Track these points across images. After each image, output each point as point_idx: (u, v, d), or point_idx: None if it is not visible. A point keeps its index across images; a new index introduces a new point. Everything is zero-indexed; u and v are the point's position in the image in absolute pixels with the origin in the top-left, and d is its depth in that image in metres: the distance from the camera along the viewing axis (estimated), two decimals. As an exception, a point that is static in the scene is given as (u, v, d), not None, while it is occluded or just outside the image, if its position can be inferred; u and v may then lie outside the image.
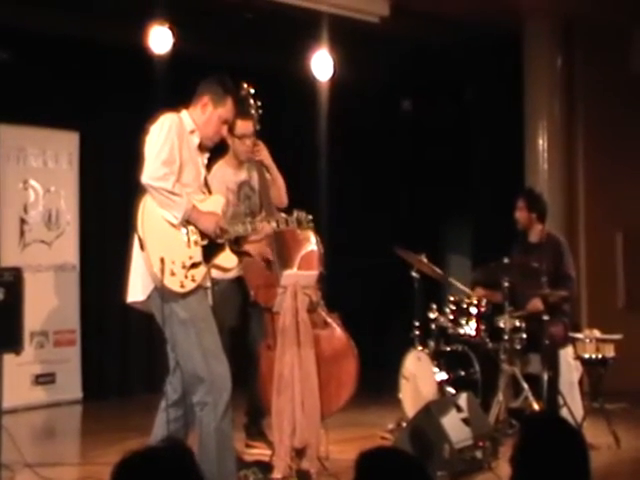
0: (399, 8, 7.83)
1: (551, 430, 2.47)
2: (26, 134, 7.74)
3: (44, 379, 7.66)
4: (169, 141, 4.30)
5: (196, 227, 4.36)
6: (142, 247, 4.26)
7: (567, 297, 6.43)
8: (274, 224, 4.74)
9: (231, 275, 5.35)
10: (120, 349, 8.26)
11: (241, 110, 5.44)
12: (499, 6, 7.84)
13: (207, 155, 4.61)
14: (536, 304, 6.27)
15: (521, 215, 6.59)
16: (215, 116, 4.48)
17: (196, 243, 4.36)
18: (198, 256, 4.36)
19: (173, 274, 4.25)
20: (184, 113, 4.48)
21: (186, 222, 4.33)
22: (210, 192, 4.60)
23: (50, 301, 7.77)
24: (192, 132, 4.46)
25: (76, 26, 7.56)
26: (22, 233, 7.67)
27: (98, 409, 7.68)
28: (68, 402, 7.76)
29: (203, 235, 4.38)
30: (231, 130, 5.47)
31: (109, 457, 5.61)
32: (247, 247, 5.01)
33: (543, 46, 8.29)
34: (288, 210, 5.09)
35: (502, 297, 6.26)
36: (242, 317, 5.60)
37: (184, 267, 4.29)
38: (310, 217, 4.73)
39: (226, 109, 4.50)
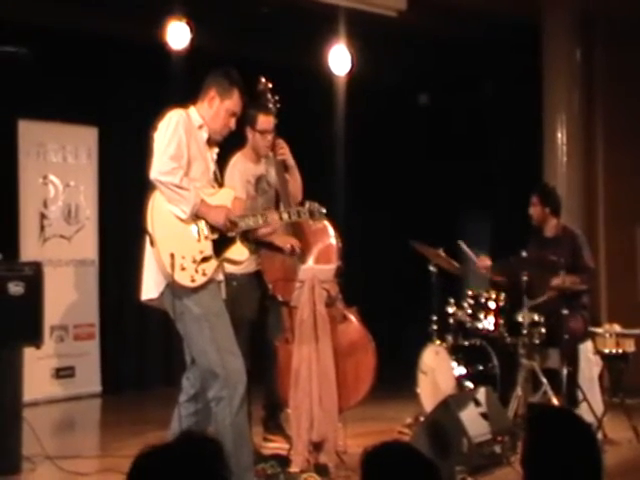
0: (417, 2, 7.80)
1: (558, 427, 2.44)
2: (46, 129, 7.79)
3: (64, 372, 7.72)
4: (176, 136, 4.31)
5: (206, 221, 4.37)
6: (152, 243, 4.28)
7: (586, 288, 6.38)
8: (285, 215, 4.71)
9: (250, 269, 5.37)
10: (138, 342, 8.30)
11: (262, 105, 5.46)
12: (518, -1, 7.81)
13: (216, 150, 4.61)
14: (556, 281, 6.17)
15: (535, 210, 6.56)
16: (222, 109, 4.48)
17: (206, 237, 4.36)
18: (209, 250, 4.36)
19: (183, 269, 4.25)
20: (192, 109, 4.49)
21: (195, 216, 4.34)
22: (221, 186, 4.60)
23: (70, 295, 7.82)
24: (200, 127, 4.46)
25: (94, 22, 7.59)
26: (42, 228, 7.72)
27: (117, 402, 7.73)
28: (87, 395, 7.82)
29: (213, 229, 4.38)
30: (252, 125, 5.49)
31: (128, 449, 5.64)
32: (273, 238, 5.02)
33: (562, 39, 8.24)
34: (301, 202, 5.08)
35: (507, 283, 6.25)
36: (260, 311, 5.60)
37: (194, 261, 4.29)
38: (323, 208, 4.70)
39: (233, 101, 4.49)
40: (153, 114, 4.55)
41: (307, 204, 4.71)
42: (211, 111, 4.49)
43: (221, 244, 4.41)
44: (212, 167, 4.56)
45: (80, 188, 7.98)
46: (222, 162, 5.06)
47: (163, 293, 4.32)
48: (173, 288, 4.25)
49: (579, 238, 6.54)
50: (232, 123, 4.55)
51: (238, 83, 4.53)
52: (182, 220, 4.32)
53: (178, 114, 4.39)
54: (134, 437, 6.05)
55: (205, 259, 4.34)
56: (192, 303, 4.31)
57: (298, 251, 5.33)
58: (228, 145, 4.96)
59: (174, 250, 4.24)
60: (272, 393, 5.59)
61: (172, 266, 4.21)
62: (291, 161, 5.61)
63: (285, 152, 5.57)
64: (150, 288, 4.37)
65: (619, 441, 5.85)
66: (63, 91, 7.72)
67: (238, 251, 4.49)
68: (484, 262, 6.55)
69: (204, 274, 4.32)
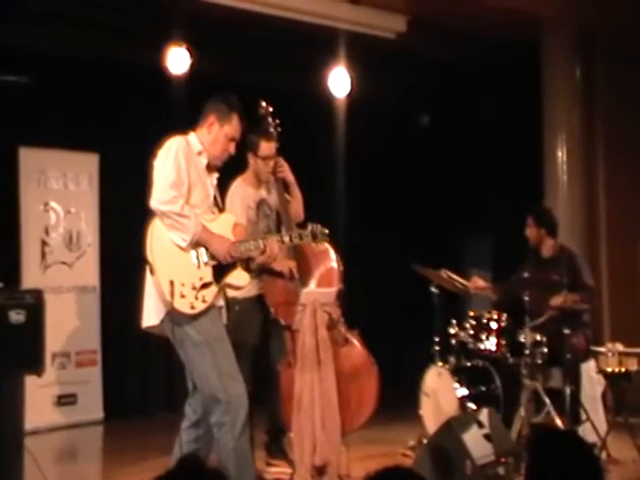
0: (415, 24, 7.85)
1: (561, 448, 2.43)
2: (46, 156, 7.81)
3: (66, 400, 7.68)
4: (176, 164, 4.33)
5: (206, 249, 4.37)
6: (151, 271, 4.28)
7: (587, 306, 6.36)
8: (286, 239, 4.72)
9: (252, 293, 5.37)
10: (140, 369, 8.29)
11: (264, 131, 5.48)
12: (516, 18, 7.82)
13: (216, 175, 4.63)
14: (557, 300, 6.17)
15: (531, 232, 6.55)
16: (222, 135, 4.51)
17: (206, 264, 4.37)
18: (208, 276, 4.37)
19: (183, 296, 4.26)
20: (191, 135, 4.52)
21: (196, 244, 4.34)
22: (221, 211, 4.62)
23: (71, 322, 7.81)
24: (200, 153, 4.49)
25: (94, 48, 7.64)
26: (43, 255, 7.72)
27: (119, 429, 7.70)
28: (89, 422, 7.78)
29: (213, 255, 4.39)
30: (254, 151, 5.52)
31: (130, 476, 5.64)
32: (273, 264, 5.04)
33: (561, 58, 8.25)
34: (303, 224, 5.10)
35: (508, 303, 6.23)
36: (263, 335, 5.60)
37: (194, 288, 4.30)
38: (326, 230, 4.72)
39: (232, 127, 4.52)
40: (154, 140, 4.57)
41: (309, 226, 4.73)
42: (210, 137, 4.52)
43: (221, 270, 4.41)
44: (212, 193, 4.58)
45: (81, 215, 7.99)
46: (223, 187, 5.08)
47: (163, 320, 4.32)
48: (173, 315, 4.25)
49: (577, 257, 6.55)
50: (232, 148, 4.58)
51: (237, 108, 4.56)
52: (182, 247, 4.32)
53: (177, 141, 4.42)
54: (136, 464, 6.03)
55: (205, 285, 4.34)
56: (192, 330, 4.31)
57: (296, 275, 5.33)
58: (229, 170, 4.98)
59: (173, 277, 4.25)
60: (275, 417, 5.57)
61: (172, 293, 4.22)
62: (291, 177, 5.62)
63: (284, 169, 5.58)
64: (151, 315, 4.38)
65: (623, 461, 5.82)
66: (63, 118, 7.75)
67: (239, 276, 4.49)
68: (476, 283, 6.55)
69: (204, 301, 4.32)
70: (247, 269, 4.52)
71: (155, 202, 4.29)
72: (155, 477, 2.15)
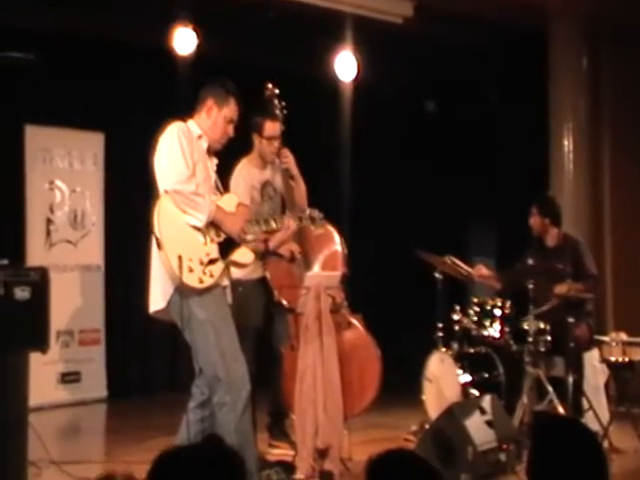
0: (423, 9, 7.82)
1: (564, 436, 2.42)
2: (52, 135, 7.81)
3: (69, 378, 7.73)
4: (182, 147, 4.38)
5: (219, 228, 4.39)
6: (159, 246, 4.31)
7: (591, 295, 6.35)
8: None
9: (255, 275, 5.38)
10: (144, 348, 8.30)
11: (269, 112, 5.49)
12: (524, 5, 7.79)
13: (216, 161, 4.66)
14: (561, 289, 6.18)
15: (535, 221, 6.51)
16: (220, 118, 4.56)
17: (212, 240, 4.41)
18: (215, 253, 4.41)
19: (191, 270, 4.30)
20: (190, 122, 4.57)
21: (210, 224, 4.36)
22: (222, 194, 4.65)
23: (75, 300, 7.84)
24: (200, 137, 4.54)
25: (101, 27, 7.62)
26: (48, 233, 7.74)
27: (122, 407, 7.72)
28: (93, 400, 7.82)
29: (219, 232, 4.41)
30: (259, 131, 5.52)
31: (133, 455, 5.66)
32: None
33: (568, 45, 8.23)
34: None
35: (510, 291, 6.25)
36: (266, 317, 5.60)
37: (202, 263, 4.34)
38: (322, 215, 4.76)
39: (230, 109, 4.57)
40: (159, 120, 4.59)
41: (308, 211, 4.78)
42: (209, 121, 4.56)
43: (227, 247, 4.45)
44: (213, 176, 4.61)
45: (86, 194, 8.01)
46: (227, 170, 5.08)
47: (170, 302, 4.34)
48: (181, 290, 4.27)
49: (580, 245, 6.52)
50: (230, 130, 4.62)
51: (234, 92, 4.62)
52: (195, 227, 4.35)
53: (178, 126, 4.48)
54: (139, 443, 6.05)
55: (212, 261, 4.39)
56: (197, 307, 4.34)
57: (298, 256, 5.34)
58: (234, 151, 4.98)
59: (181, 252, 4.29)
60: (277, 400, 5.59)
61: (180, 268, 4.25)
62: (295, 171, 5.60)
63: (289, 161, 5.57)
64: (158, 298, 4.40)
65: (625, 450, 5.83)
66: (69, 96, 7.74)
67: (244, 254, 4.54)
68: (480, 271, 6.55)
69: (211, 276, 4.36)
70: (266, 249, 4.55)
71: (171, 184, 4.32)
72: (176, 446, 2.15)
